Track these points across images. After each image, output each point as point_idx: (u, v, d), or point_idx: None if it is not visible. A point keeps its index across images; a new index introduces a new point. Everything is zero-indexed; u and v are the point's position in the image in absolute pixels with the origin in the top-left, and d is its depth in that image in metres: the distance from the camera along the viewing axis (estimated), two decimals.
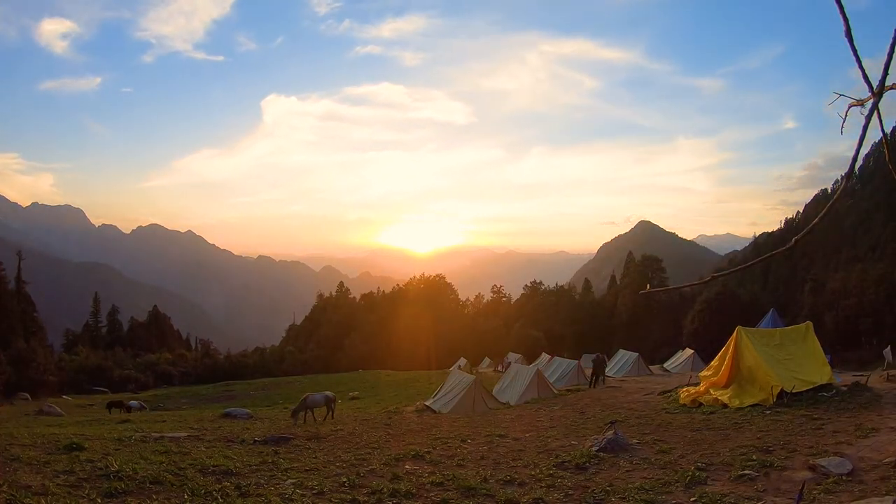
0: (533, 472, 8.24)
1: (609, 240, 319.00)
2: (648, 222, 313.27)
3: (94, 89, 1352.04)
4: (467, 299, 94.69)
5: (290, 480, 7.56)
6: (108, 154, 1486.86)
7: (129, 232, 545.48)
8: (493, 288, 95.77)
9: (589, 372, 31.71)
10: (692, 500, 6.62)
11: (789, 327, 19.27)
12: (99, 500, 6.20)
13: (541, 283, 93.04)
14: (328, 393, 18.30)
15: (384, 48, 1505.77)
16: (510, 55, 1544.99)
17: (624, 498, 6.78)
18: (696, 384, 17.50)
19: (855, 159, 1.96)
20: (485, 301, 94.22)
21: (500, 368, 40.99)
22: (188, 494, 6.57)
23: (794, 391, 14.02)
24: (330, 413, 17.31)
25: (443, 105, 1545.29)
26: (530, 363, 34.93)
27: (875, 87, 1.81)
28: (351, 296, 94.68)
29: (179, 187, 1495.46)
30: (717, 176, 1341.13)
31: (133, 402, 28.49)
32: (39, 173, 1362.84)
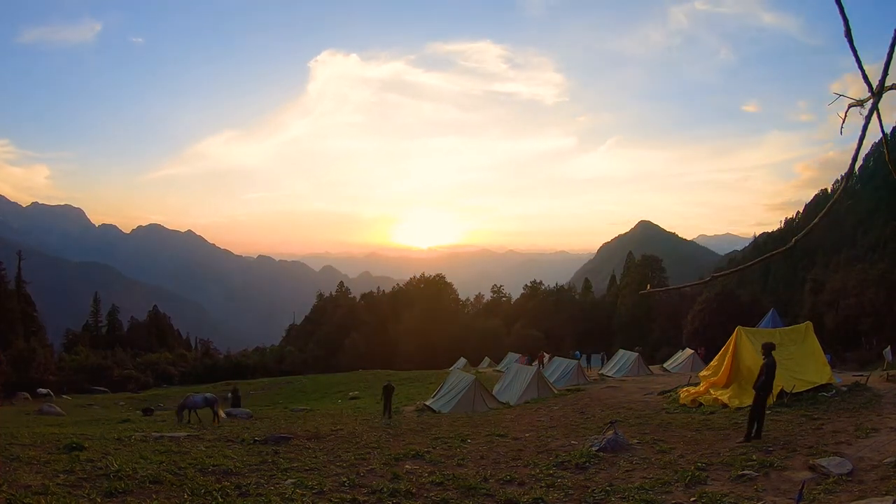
0: (533, 472, 8.24)
1: (609, 240, 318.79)
2: (648, 222, 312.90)
3: (94, 41, 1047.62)
4: (467, 299, 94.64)
5: (290, 480, 7.56)
6: (110, 139, 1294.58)
7: (129, 232, 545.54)
8: (493, 288, 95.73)
9: (591, 372, 31.75)
10: (692, 500, 6.62)
11: (789, 327, 19.25)
12: (99, 500, 6.20)
13: (541, 283, 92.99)
14: (208, 395, 18.53)
15: None
16: (654, 10, 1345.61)
17: (624, 498, 6.78)
18: (696, 384, 17.51)
19: (855, 159, 1.97)
20: (485, 301, 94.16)
21: (497, 369, 41.08)
22: (188, 494, 6.56)
23: (794, 391, 14.02)
24: (215, 416, 17.37)
25: (540, 77, 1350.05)
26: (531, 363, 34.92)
27: (875, 87, 1.81)
28: (351, 296, 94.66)
29: (190, 180, 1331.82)
30: (781, 172, 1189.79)
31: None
32: (34, 164, 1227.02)
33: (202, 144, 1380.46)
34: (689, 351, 35.71)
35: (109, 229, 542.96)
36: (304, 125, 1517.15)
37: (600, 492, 7.07)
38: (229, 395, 26.23)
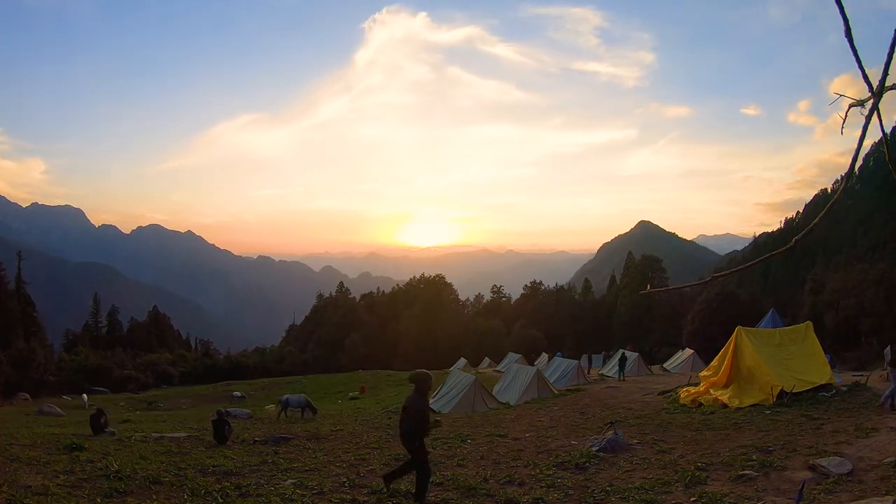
0: (533, 472, 8.24)
1: (609, 240, 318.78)
2: (648, 222, 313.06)
3: None
4: (467, 299, 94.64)
5: (290, 480, 7.56)
6: (111, 127, 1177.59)
7: (129, 232, 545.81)
8: (493, 288, 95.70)
9: (592, 372, 31.75)
10: (692, 500, 6.62)
11: (789, 327, 19.26)
12: (99, 500, 6.20)
13: (541, 283, 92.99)
14: (302, 395, 20.71)
15: None
16: None
17: (624, 498, 6.77)
18: (696, 384, 17.51)
19: (855, 159, 1.97)
20: (485, 301, 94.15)
21: (493, 369, 41.00)
22: (188, 494, 6.56)
23: (793, 391, 14.01)
24: (312, 412, 19.35)
25: (630, 56, 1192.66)
26: (530, 363, 34.94)
27: (875, 87, 1.81)
28: (351, 296, 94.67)
29: (196, 175, 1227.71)
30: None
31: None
32: (28, 158, 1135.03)
33: (214, 132, 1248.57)
34: (689, 351, 35.77)
35: (109, 229, 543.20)
36: (338, 107, 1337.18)
37: (600, 492, 7.07)
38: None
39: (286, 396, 20.44)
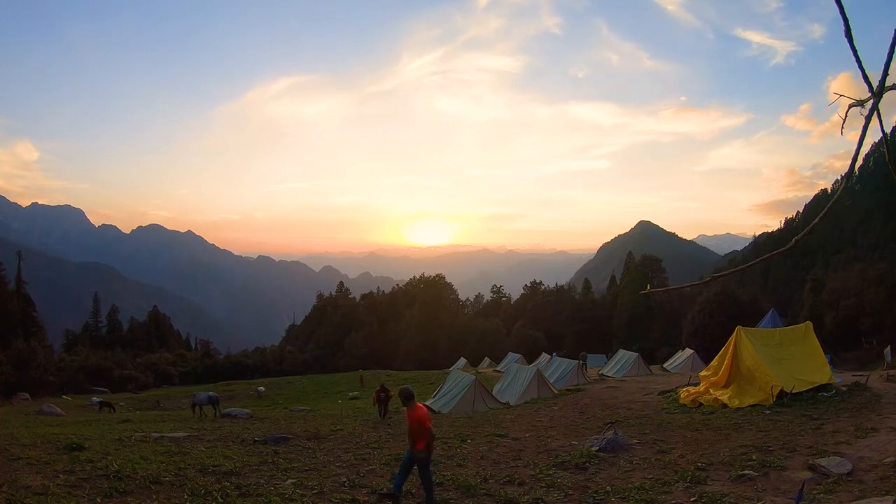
0: (533, 472, 8.24)
1: (609, 240, 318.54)
2: (648, 222, 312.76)
3: None
4: (467, 299, 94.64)
5: (290, 480, 7.56)
6: (111, 101, 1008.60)
7: (129, 232, 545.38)
8: (493, 288, 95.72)
9: (591, 372, 31.76)
10: (692, 500, 6.62)
11: (789, 327, 19.27)
12: (99, 500, 6.20)
13: (541, 283, 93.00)
14: (212, 393, 21.67)
15: None
16: None
17: (624, 498, 6.77)
18: (696, 384, 17.51)
19: (855, 159, 1.97)
20: (485, 301, 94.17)
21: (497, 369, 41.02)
22: (188, 494, 6.56)
23: (793, 391, 14.02)
24: (216, 412, 20.03)
25: (803, 27, 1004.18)
26: (530, 363, 34.93)
27: (875, 87, 1.81)
28: (351, 296, 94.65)
29: (207, 163, 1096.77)
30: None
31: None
32: (18, 140, 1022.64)
33: (244, 100, 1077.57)
34: (689, 351, 35.76)
35: (109, 229, 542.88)
36: (420, 66, 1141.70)
37: (600, 492, 7.07)
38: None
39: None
